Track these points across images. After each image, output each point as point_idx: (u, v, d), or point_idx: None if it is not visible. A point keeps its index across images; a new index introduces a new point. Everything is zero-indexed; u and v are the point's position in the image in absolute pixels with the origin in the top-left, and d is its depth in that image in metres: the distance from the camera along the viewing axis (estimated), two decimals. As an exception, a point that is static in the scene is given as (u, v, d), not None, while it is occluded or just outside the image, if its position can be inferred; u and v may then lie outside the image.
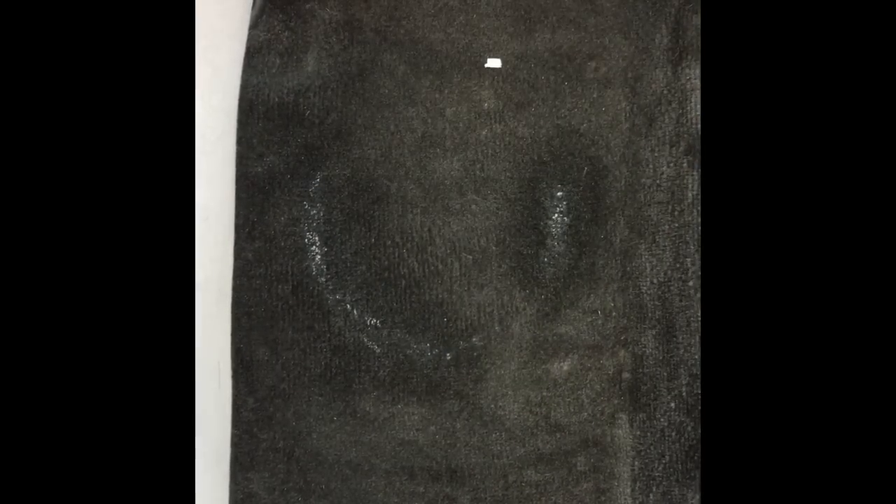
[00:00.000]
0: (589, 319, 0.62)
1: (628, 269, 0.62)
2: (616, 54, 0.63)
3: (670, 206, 0.62)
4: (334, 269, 0.63)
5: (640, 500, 0.61)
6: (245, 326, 0.63)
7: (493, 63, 0.64)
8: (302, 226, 0.63)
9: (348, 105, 0.64)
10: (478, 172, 0.63)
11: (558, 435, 0.62)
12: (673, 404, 0.61)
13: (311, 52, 0.64)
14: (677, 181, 0.61)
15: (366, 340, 0.63)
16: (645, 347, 0.62)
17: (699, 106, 0.61)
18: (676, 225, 0.61)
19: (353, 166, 0.64)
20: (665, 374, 0.62)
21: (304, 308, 0.63)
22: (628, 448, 0.62)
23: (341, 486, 0.63)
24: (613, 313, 0.62)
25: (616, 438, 0.62)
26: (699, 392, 0.61)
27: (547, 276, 0.63)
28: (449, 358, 0.63)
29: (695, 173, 0.61)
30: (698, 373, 0.61)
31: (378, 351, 0.63)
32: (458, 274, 0.63)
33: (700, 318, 0.61)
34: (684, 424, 0.61)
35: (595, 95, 0.63)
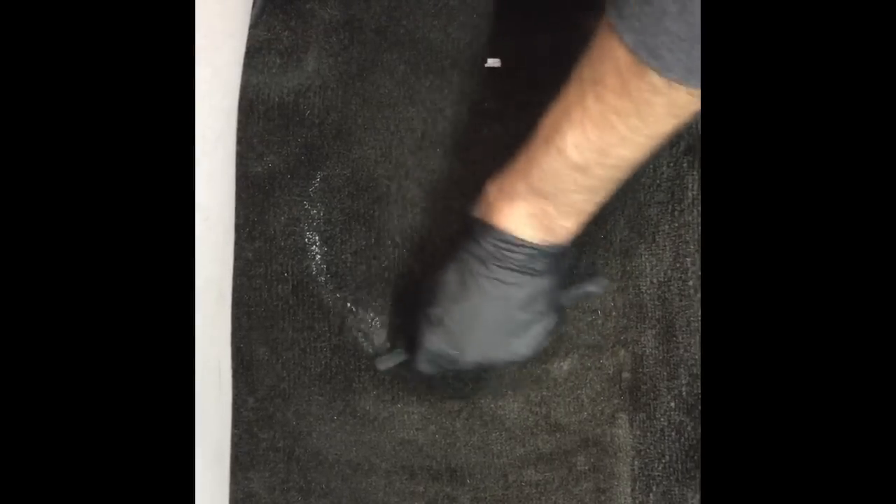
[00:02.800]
0: (589, 319, 0.62)
1: (628, 268, 0.62)
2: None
3: (670, 206, 0.61)
4: (334, 268, 0.63)
5: (640, 499, 0.62)
6: (245, 326, 0.63)
7: (493, 63, 0.64)
8: (302, 226, 0.63)
9: (348, 105, 0.64)
10: (478, 172, 0.63)
11: (558, 434, 0.62)
12: (673, 404, 0.61)
13: (311, 52, 0.64)
14: (677, 181, 0.61)
15: (365, 340, 0.63)
16: (645, 347, 0.62)
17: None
18: (676, 225, 0.61)
19: (353, 166, 0.64)
20: (665, 373, 0.62)
21: (304, 308, 0.63)
22: (628, 448, 0.62)
23: (341, 485, 0.63)
24: (613, 313, 0.62)
25: (616, 438, 0.62)
26: (699, 392, 0.61)
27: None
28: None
29: (695, 173, 0.61)
30: (698, 372, 0.61)
31: (378, 351, 0.63)
32: (458, 274, 0.63)
33: (700, 318, 0.61)
34: (684, 424, 0.61)
35: (595, 95, 0.62)
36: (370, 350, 0.63)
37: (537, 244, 0.51)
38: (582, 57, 0.45)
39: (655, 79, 0.40)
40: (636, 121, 0.43)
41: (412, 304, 0.58)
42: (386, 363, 0.60)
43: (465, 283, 0.53)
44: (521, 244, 0.51)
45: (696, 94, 0.40)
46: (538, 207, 0.50)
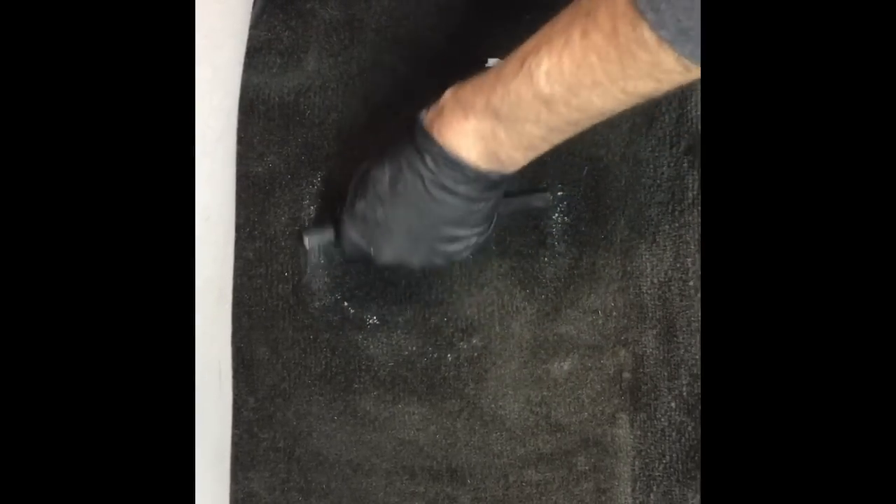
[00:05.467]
0: (589, 319, 0.62)
1: (629, 268, 0.62)
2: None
3: (670, 206, 0.61)
4: (334, 269, 0.63)
5: (641, 499, 0.61)
6: (245, 326, 0.63)
7: (494, 63, 0.64)
8: (302, 226, 0.63)
9: (349, 105, 0.64)
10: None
11: (559, 435, 0.62)
12: (673, 404, 0.61)
13: (311, 52, 0.64)
14: (677, 181, 0.61)
15: (365, 340, 0.63)
16: (645, 347, 0.62)
17: (699, 106, 0.61)
18: (677, 225, 0.61)
19: (354, 166, 0.63)
20: (665, 373, 0.61)
21: (304, 308, 0.63)
22: (629, 448, 0.62)
23: (342, 485, 0.63)
24: (614, 313, 0.62)
25: (616, 438, 0.62)
26: (700, 392, 0.61)
27: (547, 276, 0.63)
28: (449, 358, 0.63)
29: (695, 173, 0.61)
30: (699, 373, 0.61)
31: (378, 351, 0.63)
32: (458, 274, 0.63)
33: (700, 318, 0.61)
34: (685, 424, 0.61)
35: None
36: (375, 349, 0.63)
37: (479, 169, 0.48)
38: None
39: (646, 32, 0.38)
40: (616, 69, 0.40)
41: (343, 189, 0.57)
42: (312, 241, 0.60)
43: (395, 188, 0.51)
44: (462, 166, 0.48)
45: (686, 63, 0.38)
46: (490, 129, 0.47)
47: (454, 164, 0.48)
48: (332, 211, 0.60)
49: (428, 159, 0.49)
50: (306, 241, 0.60)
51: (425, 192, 0.50)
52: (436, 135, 0.48)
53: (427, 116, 0.50)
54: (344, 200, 0.57)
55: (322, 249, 0.61)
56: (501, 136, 0.47)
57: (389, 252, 0.54)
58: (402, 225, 0.52)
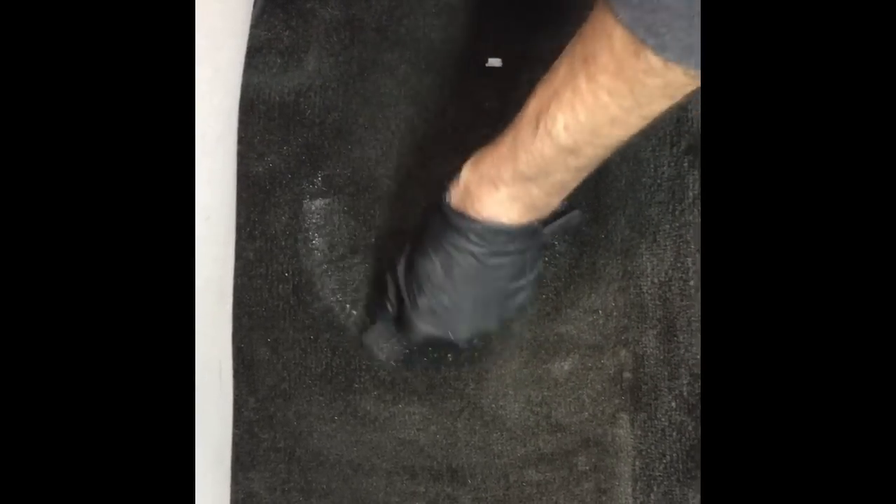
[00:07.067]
0: (590, 319, 0.62)
1: (629, 268, 0.62)
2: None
3: (671, 206, 0.61)
4: (334, 268, 0.63)
5: (641, 499, 0.61)
6: (246, 326, 0.63)
7: (495, 62, 0.64)
8: (302, 225, 0.63)
9: (349, 104, 0.64)
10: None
11: (559, 434, 0.62)
12: (674, 404, 0.61)
13: (311, 52, 0.64)
14: (678, 181, 0.61)
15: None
16: (646, 347, 0.62)
17: (699, 106, 0.61)
18: (677, 224, 0.61)
19: (354, 166, 0.64)
20: (666, 373, 0.61)
21: (304, 308, 0.63)
22: (629, 448, 0.62)
23: (342, 485, 0.63)
24: (614, 313, 0.62)
25: (617, 438, 0.62)
26: (700, 392, 0.61)
27: (547, 276, 0.63)
28: (450, 358, 0.63)
29: (695, 173, 0.61)
30: (699, 373, 0.61)
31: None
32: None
33: (700, 318, 0.61)
34: (685, 424, 0.61)
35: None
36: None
37: (521, 225, 0.51)
38: (575, 34, 0.43)
39: (652, 58, 0.38)
40: (629, 102, 0.41)
41: (395, 290, 0.57)
42: (377, 341, 0.61)
43: (451, 273, 0.53)
44: (505, 230, 0.50)
45: (694, 74, 0.39)
46: (523, 190, 0.49)
47: (498, 231, 0.51)
48: (379, 308, 0.61)
49: (472, 236, 0.51)
50: (375, 350, 0.62)
51: (481, 266, 0.52)
52: (472, 213, 0.51)
53: (452, 198, 0.52)
54: (384, 295, 0.58)
55: (389, 347, 0.62)
56: (535, 192, 0.49)
57: (466, 329, 0.56)
58: (471, 301, 0.54)
